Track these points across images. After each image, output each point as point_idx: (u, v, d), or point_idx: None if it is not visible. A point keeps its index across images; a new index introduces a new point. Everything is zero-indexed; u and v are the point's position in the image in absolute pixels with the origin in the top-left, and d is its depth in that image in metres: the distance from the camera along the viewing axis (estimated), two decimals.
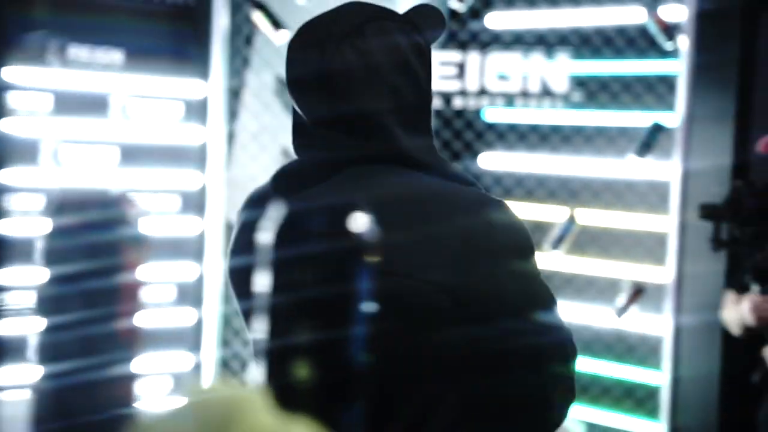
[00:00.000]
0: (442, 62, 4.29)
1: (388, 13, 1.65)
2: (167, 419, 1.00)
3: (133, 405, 2.88)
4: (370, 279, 1.12)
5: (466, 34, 4.47)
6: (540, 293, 1.63)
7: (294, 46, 1.63)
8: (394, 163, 1.59)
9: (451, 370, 1.53)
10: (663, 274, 4.13)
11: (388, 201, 1.51)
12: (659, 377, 4.16)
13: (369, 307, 1.12)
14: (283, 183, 1.66)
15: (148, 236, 3.19)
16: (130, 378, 2.88)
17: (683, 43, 3.96)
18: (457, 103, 4.31)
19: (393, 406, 1.52)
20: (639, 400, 4.27)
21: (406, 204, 1.54)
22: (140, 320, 2.97)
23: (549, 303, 1.64)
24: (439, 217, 1.53)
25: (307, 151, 1.65)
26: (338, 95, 1.57)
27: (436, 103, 4.40)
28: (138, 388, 3.05)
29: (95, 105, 4.07)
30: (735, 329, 2.88)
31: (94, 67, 4.04)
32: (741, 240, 2.49)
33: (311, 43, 1.60)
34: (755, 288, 2.49)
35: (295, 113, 1.66)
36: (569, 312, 4.37)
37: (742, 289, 2.71)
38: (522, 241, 1.60)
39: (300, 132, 1.65)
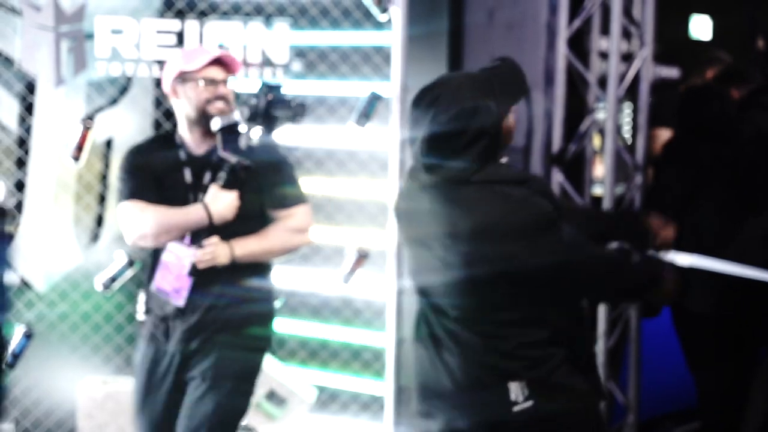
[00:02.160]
0: (159, 30, 4.19)
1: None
2: None
3: None
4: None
5: (183, 2, 4.38)
6: None
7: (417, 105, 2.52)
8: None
9: None
10: (385, 239, 4.25)
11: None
12: (384, 339, 4.30)
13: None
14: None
15: None
16: None
17: (396, 14, 4.06)
18: None
19: None
20: (366, 362, 4.39)
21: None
22: None
23: None
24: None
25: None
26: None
27: (154, 72, 4.28)
28: None
29: None
30: None
31: None
32: None
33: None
34: None
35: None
36: (297, 279, 4.42)
37: None
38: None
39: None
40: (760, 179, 4.27)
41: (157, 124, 4.50)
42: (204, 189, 3.19)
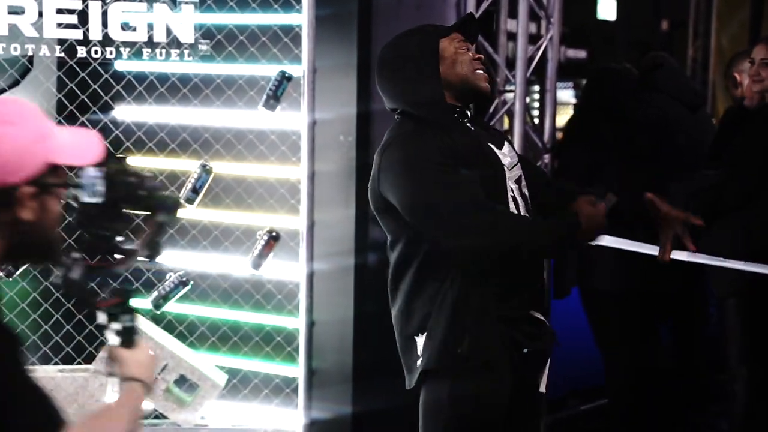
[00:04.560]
0: (60, 9, 4.07)
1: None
2: None
3: None
4: None
5: None
6: None
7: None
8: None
9: None
10: (296, 221, 4.23)
11: None
12: (296, 322, 4.27)
13: None
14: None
15: None
16: None
17: None
18: (81, 52, 4.12)
19: None
20: (277, 345, 4.37)
21: None
22: None
23: None
24: None
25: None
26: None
27: (58, 52, 4.16)
28: None
29: None
30: None
31: None
32: None
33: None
34: None
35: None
36: (206, 263, 4.37)
37: None
38: None
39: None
40: (662, 158, 4.37)
41: (61, 105, 4.38)
42: None
